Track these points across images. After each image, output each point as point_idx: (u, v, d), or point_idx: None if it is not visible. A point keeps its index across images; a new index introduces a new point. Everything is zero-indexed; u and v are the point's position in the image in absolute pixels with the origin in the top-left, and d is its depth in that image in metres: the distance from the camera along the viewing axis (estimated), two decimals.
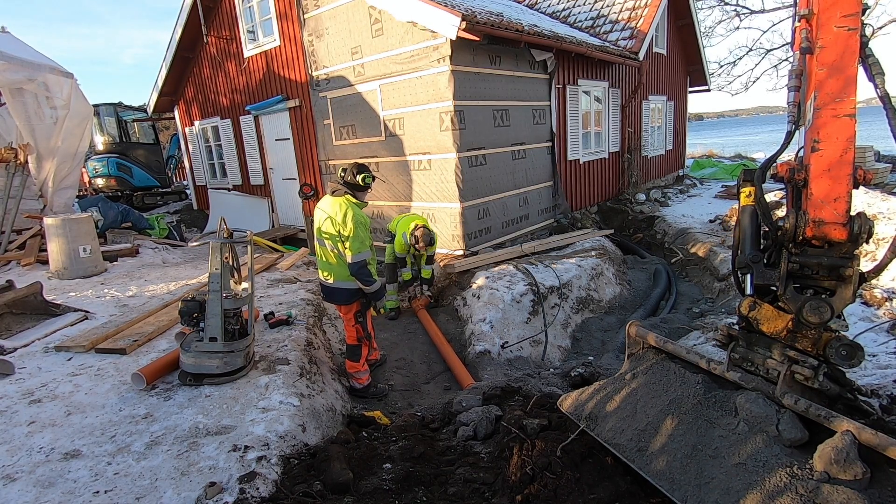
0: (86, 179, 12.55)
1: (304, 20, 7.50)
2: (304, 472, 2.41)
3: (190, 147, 11.46)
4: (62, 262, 5.78)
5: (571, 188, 8.79)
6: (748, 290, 1.90)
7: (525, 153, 7.45)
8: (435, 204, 6.64)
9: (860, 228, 1.54)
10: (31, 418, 2.83)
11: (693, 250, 7.28)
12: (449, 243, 6.62)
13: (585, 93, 8.94)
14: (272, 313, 4.27)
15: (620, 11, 10.66)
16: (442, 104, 6.12)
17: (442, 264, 6.30)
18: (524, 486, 2.19)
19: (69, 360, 3.59)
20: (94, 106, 10.04)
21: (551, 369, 4.37)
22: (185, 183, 14.56)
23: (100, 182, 12.19)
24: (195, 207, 12.02)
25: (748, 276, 1.85)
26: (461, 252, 6.45)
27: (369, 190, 3.77)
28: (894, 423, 2.20)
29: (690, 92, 14.65)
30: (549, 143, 7.98)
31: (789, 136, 1.77)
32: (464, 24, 5.34)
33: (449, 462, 2.65)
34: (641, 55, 9.77)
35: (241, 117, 9.49)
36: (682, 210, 9.90)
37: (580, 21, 11.11)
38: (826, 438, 1.55)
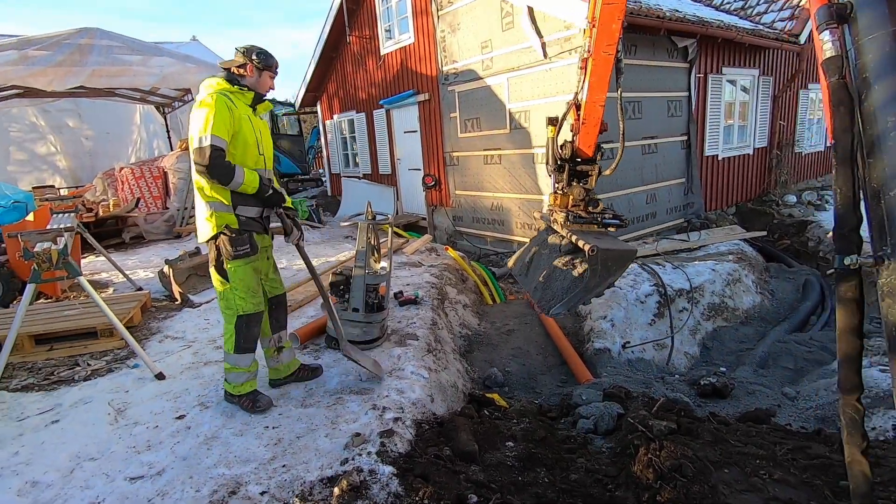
0: None
1: (439, 16, 7.84)
2: (435, 437, 2.62)
3: (328, 138, 12.63)
4: None
5: (707, 186, 8.11)
6: (551, 189, 3.26)
7: (656, 147, 7.04)
8: None
9: (598, 152, 2.98)
10: (216, 361, 3.43)
11: None
12: None
13: (730, 82, 8.15)
14: (401, 292, 4.62)
15: None
16: (570, 97, 6.02)
17: None
18: (651, 485, 2.16)
19: None
20: None
21: (676, 375, 4.16)
22: (321, 171, 16.09)
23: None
24: (329, 194, 13.25)
25: (552, 178, 3.22)
26: (530, 240, 6.33)
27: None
28: None
29: None
30: (685, 137, 7.44)
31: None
32: None
33: (569, 450, 2.69)
34: (803, 38, 8.60)
35: (374, 111, 10.22)
36: None
37: (728, 3, 10.08)
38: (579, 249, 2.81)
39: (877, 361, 3.78)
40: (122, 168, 9.04)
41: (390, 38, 9.31)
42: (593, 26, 2.87)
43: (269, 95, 2.97)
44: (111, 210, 7.91)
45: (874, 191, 1.09)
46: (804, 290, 5.95)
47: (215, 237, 2.63)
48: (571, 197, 3.07)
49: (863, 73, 1.10)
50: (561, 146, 3.11)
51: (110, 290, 5.09)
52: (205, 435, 2.58)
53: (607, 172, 3.42)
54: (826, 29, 1.14)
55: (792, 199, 9.37)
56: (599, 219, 3.05)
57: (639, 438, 2.52)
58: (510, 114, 6.94)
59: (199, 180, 2.60)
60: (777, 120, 9.34)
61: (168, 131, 11.59)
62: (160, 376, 3.18)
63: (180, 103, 10.59)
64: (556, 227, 3.12)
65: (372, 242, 3.68)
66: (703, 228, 7.43)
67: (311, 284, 4.82)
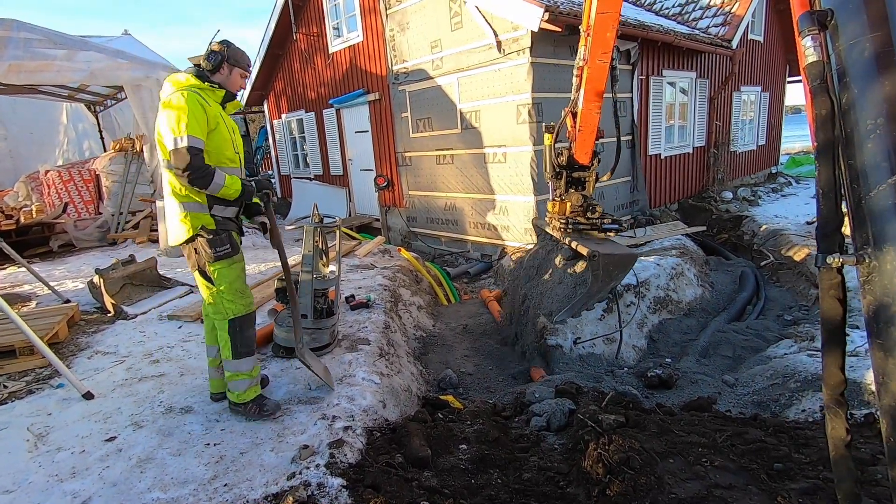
0: None
1: (388, 15, 7.74)
2: (387, 444, 2.56)
3: (276, 138, 12.23)
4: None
5: (651, 184, 8.44)
6: (550, 196, 3.37)
7: (603, 147, 7.21)
8: (509, 197, 6.65)
9: (595, 159, 3.18)
10: (152, 376, 3.22)
11: (787, 253, 6.74)
12: (521, 236, 6.61)
13: (670, 84, 8.52)
14: (353, 296, 4.51)
15: None
16: (520, 97, 6.10)
17: (514, 257, 6.32)
18: (601, 480, 2.19)
19: (179, 327, 4.03)
20: None
21: (625, 368, 4.28)
22: (269, 172, 15.55)
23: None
24: (279, 195, 12.84)
25: (550, 186, 3.29)
26: (533, 245, 6.42)
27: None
28: None
29: (789, 82, 13.47)
30: (629, 137, 7.70)
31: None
32: (546, 16, 5.29)
33: (522, 449, 2.69)
34: (735, 43, 9.13)
35: (324, 110, 9.98)
36: (774, 210, 9.18)
37: (667, 8, 10.55)
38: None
39: (805, 347, 4.03)
40: (47, 171, 8.38)
41: (339, 37, 9.11)
42: (588, 35, 2.88)
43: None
44: (34, 216, 7.31)
45: (855, 192, 1.12)
46: (740, 281, 6.29)
47: (191, 239, 2.50)
48: (570, 204, 3.14)
49: (843, 77, 1.13)
50: (558, 154, 3.15)
51: (33, 304, 4.68)
52: (138, 457, 2.40)
53: (604, 178, 3.45)
54: (808, 35, 1.16)
55: (728, 195, 9.91)
56: (599, 224, 3.10)
57: (589, 433, 2.55)
58: (461, 114, 6.95)
59: (171, 180, 2.46)
60: (713, 120, 9.85)
61: (100, 131, 10.85)
62: (88, 396, 2.94)
63: (113, 101, 9.94)
64: (555, 234, 3.15)
65: (320, 245, 3.56)
66: (648, 225, 7.71)
67: (256, 292, 4.62)
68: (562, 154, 3.21)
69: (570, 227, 3.16)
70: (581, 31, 3.01)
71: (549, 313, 3.09)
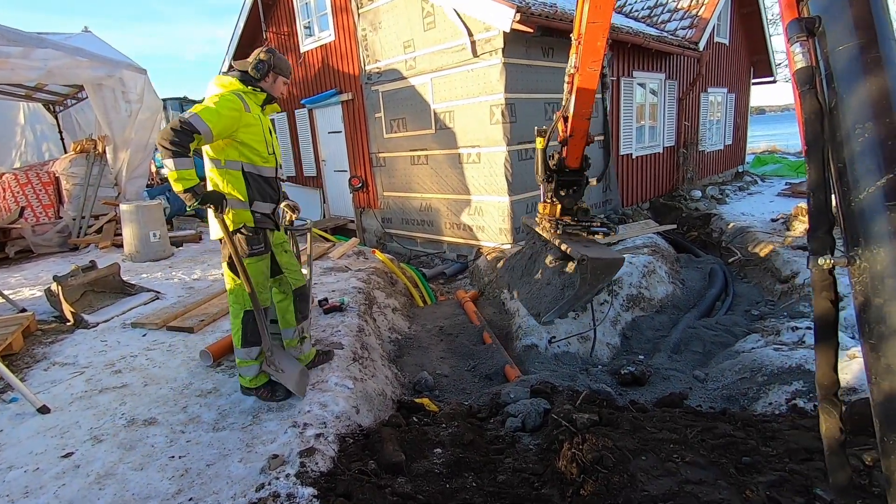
0: (153, 169, 13.35)
1: (360, 14, 7.66)
2: (360, 451, 2.51)
3: None
4: (134, 245, 6.22)
5: (623, 183, 8.57)
6: (542, 198, 3.38)
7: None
8: (483, 197, 6.65)
9: (586, 164, 3.22)
10: (114, 387, 3.09)
11: (753, 250, 6.94)
12: (496, 236, 6.62)
13: (640, 85, 8.67)
14: (326, 300, 4.43)
15: (680, 0, 10.24)
16: (493, 97, 6.11)
17: (489, 257, 6.32)
18: (575, 479, 2.19)
19: (144, 335, 3.88)
20: (163, 100, 10.66)
21: (599, 366, 4.32)
22: None
23: (165, 172, 12.96)
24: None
25: (541, 188, 3.38)
26: (509, 245, 6.44)
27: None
28: None
29: (754, 84, 13.89)
30: (601, 137, 7.80)
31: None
32: (518, 17, 5.31)
33: (497, 451, 2.68)
34: (702, 45, 9.35)
35: (296, 111, 9.82)
36: (741, 208, 9.44)
37: (636, 10, 10.75)
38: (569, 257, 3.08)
39: (771, 341, 4.14)
40: (2, 174, 7.99)
41: (310, 36, 8.98)
42: (579, 43, 2.92)
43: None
44: None
45: (844, 194, 1.13)
46: (710, 277, 6.44)
47: (232, 234, 2.63)
48: (560, 206, 3.15)
49: (831, 83, 1.16)
50: (549, 157, 3.17)
51: None
52: (97, 473, 2.29)
53: (593, 182, 3.53)
54: (797, 41, 1.18)
55: (697, 193, 10.15)
56: (588, 227, 3.14)
57: (563, 433, 2.55)
58: (435, 114, 6.92)
59: (212, 178, 2.64)
60: (682, 121, 10.08)
61: (60, 132, 10.41)
62: (44, 410, 2.80)
63: (73, 101, 9.55)
64: (544, 235, 3.18)
65: (292, 248, 3.48)
66: (620, 223, 7.83)
67: (225, 297, 4.49)
68: (553, 157, 3.24)
69: (559, 228, 3.21)
70: (572, 39, 3.07)
71: (538, 314, 3.10)
